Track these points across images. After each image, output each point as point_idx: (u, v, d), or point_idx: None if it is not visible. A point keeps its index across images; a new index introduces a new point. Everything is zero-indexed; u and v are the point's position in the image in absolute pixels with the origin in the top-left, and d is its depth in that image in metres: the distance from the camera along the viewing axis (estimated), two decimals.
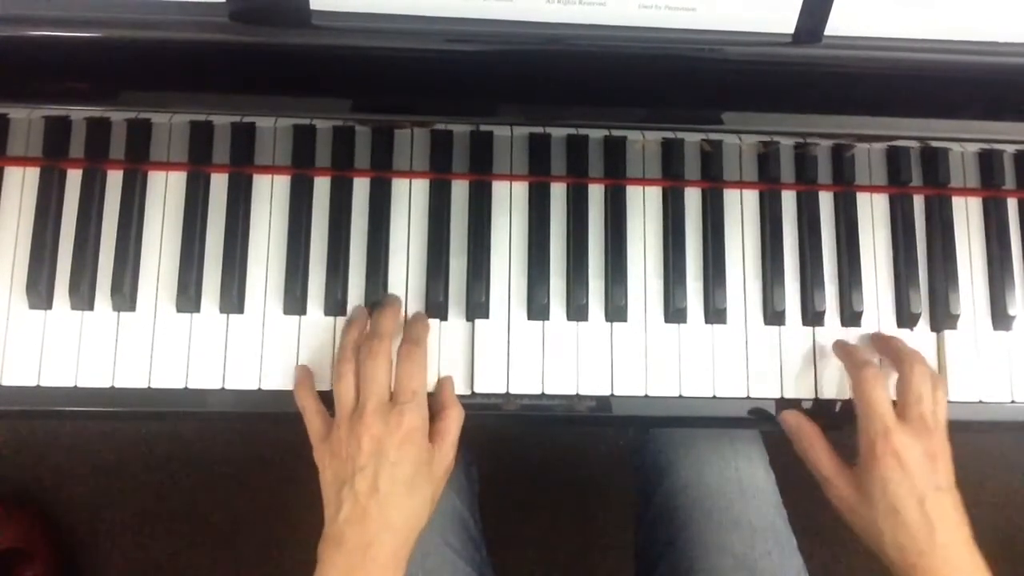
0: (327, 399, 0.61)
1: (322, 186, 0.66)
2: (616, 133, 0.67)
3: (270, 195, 0.66)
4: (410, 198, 0.67)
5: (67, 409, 0.64)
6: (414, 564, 0.57)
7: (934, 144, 0.67)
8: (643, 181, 0.68)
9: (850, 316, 0.67)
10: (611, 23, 0.52)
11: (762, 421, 0.66)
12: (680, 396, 0.65)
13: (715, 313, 0.66)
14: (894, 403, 0.60)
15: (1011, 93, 0.57)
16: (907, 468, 0.57)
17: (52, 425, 1.26)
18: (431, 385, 0.63)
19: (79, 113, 0.64)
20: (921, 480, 0.57)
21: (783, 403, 0.65)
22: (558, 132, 0.67)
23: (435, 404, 0.61)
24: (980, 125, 0.60)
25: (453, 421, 0.60)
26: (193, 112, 0.63)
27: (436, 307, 0.65)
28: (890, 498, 0.57)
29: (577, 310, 0.65)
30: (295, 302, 0.64)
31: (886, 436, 0.57)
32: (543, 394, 0.64)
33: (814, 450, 0.62)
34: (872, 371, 0.60)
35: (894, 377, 0.62)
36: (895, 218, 0.69)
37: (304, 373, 0.63)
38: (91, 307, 0.64)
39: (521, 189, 0.67)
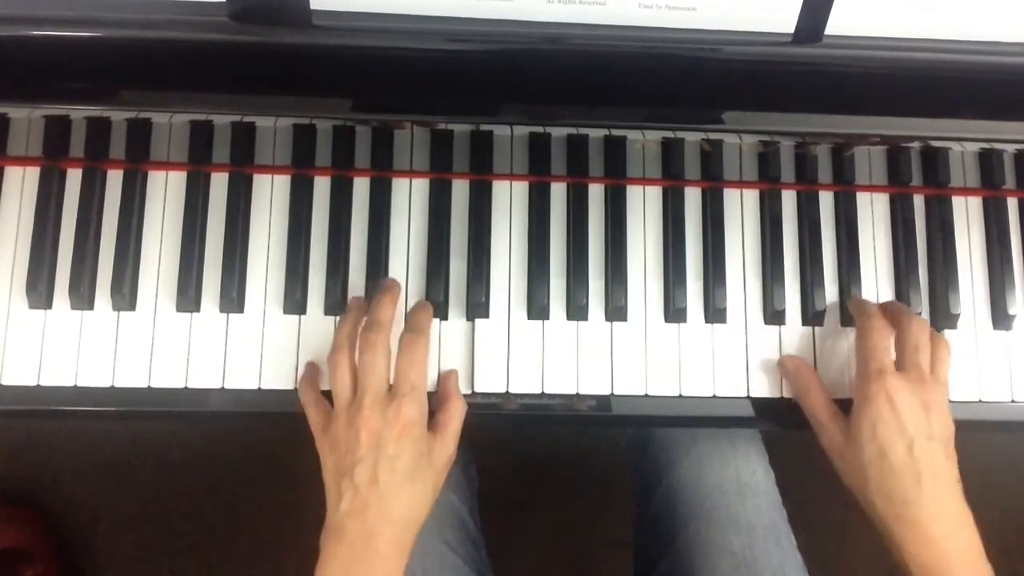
0: (330, 399, 0.61)
1: (322, 186, 0.66)
2: (616, 133, 0.67)
3: (270, 195, 0.66)
4: (410, 198, 0.67)
5: (67, 409, 0.64)
6: (413, 563, 0.57)
7: (934, 144, 0.67)
8: (643, 181, 0.68)
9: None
10: (611, 23, 0.52)
11: (762, 421, 0.66)
12: (680, 396, 0.65)
13: (715, 313, 0.66)
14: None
15: (1011, 93, 0.57)
16: (898, 411, 0.57)
17: (52, 425, 1.26)
18: (433, 383, 0.63)
19: (79, 113, 0.64)
20: (912, 425, 0.56)
21: (783, 403, 0.65)
22: (558, 132, 0.67)
23: (438, 396, 0.61)
24: (980, 125, 0.60)
25: (455, 414, 0.60)
26: (193, 112, 0.63)
27: (436, 307, 0.65)
28: (879, 440, 0.56)
29: (577, 310, 0.65)
30: (295, 302, 0.64)
31: (880, 376, 0.58)
32: (543, 394, 0.64)
33: (811, 393, 0.62)
34: (880, 322, 0.61)
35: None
36: (895, 218, 0.69)
37: (308, 369, 0.63)
38: (91, 307, 0.64)
39: (521, 189, 0.67)
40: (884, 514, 0.56)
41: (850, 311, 0.66)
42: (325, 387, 0.62)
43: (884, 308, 0.65)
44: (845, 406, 0.64)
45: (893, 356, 0.61)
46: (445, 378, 0.63)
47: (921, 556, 0.55)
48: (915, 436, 0.56)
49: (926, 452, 0.56)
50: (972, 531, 0.56)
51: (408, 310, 0.64)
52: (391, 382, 0.59)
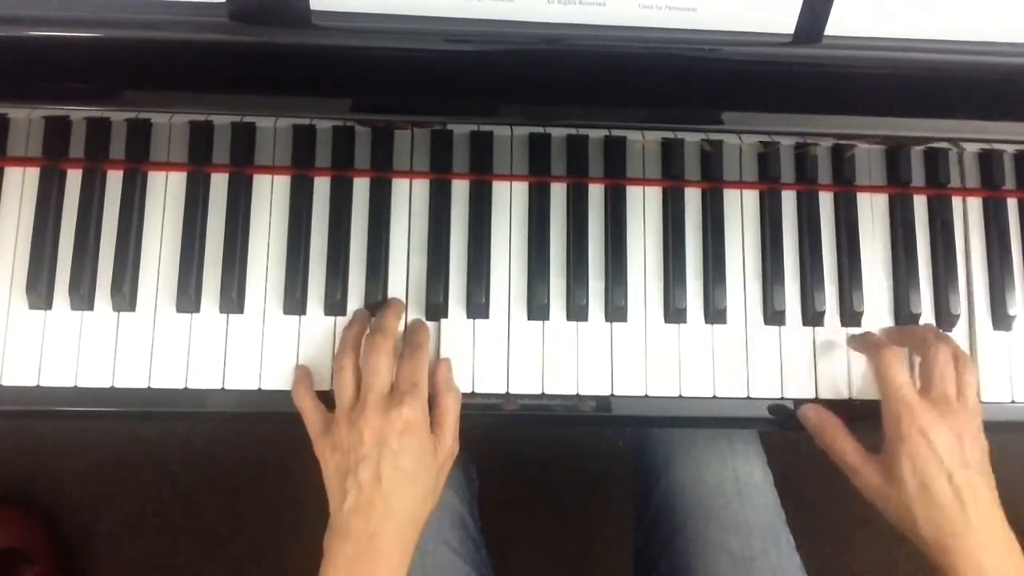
0: (327, 400, 0.61)
1: (322, 186, 0.66)
2: (616, 133, 0.67)
3: (270, 195, 0.66)
4: (410, 198, 0.67)
5: (67, 409, 0.64)
6: (413, 564, 0.57)
7: (934, 144, 0.67)
8: (643, 181, 0.68)
9: (850, 316, 0.67)
10: (611, 23, 0.52)
11: (761, 421, 0.66)
12: (680, 396, 0.65)
13: (715, 313, 0.66)
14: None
15: (1011, 93, 0.57)
16: (933, 445, 0.57)
17: (52, 425, 1.26)
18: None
19: (79, 113, 0.64)
20: (948, 456, 0.57)
21: (783, 403, 0.65)
22: (558, 132, 0.67)
23: (432, 390, 0.61)
24: (980, 125, 0.60)
25: (450, 407, 0.60)
26: (193, 112, 0.63)
27: (436, 307, 0.65)
28: (920, 476, 0.57)
29: (577, 310, 0.65)
30: (295, 302, 0.64)
31: (910, 413, 0.58)
32: (543, 394, 0.64)
33: (838, 441, 0.62)
34: (891, 352, 0.61)
35: (916, 362, 0.63)
36: (895, 218, 0.69)
37: (302, 372, 0.63)
38: (91, 307, 0.64)
39: (521, 189, 0.67)
40: (934, 546, 0.56)
41: (854, 349, 0.65)
42: (318, 388, 0.63)
43: (905, 333, 0.65)
44: (849, 407, 0.65)
45: (915, 381, 0.60)
46: (436, 370, 0.63)
47: None
48: (952, 467, 0.56)
49: (965, 481, 0.56)
50: (1020, 557, 0.56)
51: (407, 327, 0.64)
52: (392, 385, 0.59)
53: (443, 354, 0.64)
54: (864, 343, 0.65)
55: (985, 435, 0.60)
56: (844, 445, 0.61)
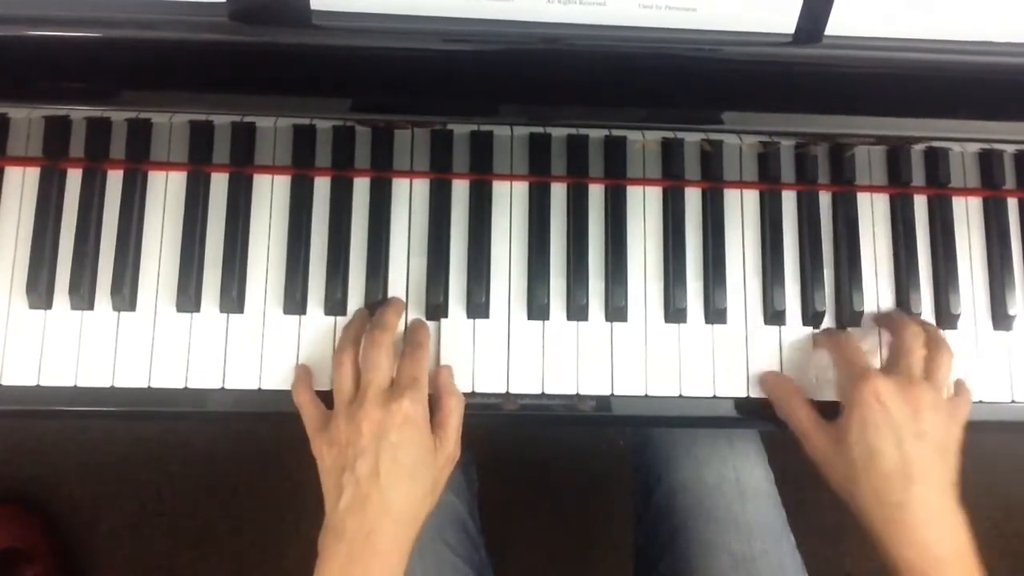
0: (327, 400, 0.61)
1: (322, 186, 0.66)
2: (616, 133, 0.67)
3: (270, 195, 0.66)
4: (410, 198, 0.67)
5: (67, 409, 0.64)
6: (413, 563, 0.57)
7: (934, 144, 0.67)
8: (643, 181, 0.68)
9: (850, 316, 0.67)
10: (611, 23, 0.52)
11: (761, 421, 0.66)
12: (680, 396, 0.65)
13: (715, 313, 0.66)
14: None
15: (1011, 93, 0.57)
16: (887, 410, 0.56)
17: (52, 425, 1.26)
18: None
19: (79, 113, 0.64)
20: (900, 424, 0.55)
21: None
22: (558, 132, 0.67)
23: (434, 393, 0.61)
24: (980, 125, 0.60)
25: (453, 410, 0.60)
26: (193, 112, 0.63)
27: (436, 307, 0.65)
28: (868, 441, 0.55)
29: (577, 310, 0.65)
30: (295, 302, 0.64)
31: (864, 379, 0.57)
32: (543, 394, 0.64)
33: (792, 405, 0.62)
34: (842, 334, 0.63)
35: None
36: (895, 218, 0.69)
37: (301, 371, 0.63)
38: (91, 307, 0.64)
39: (521, 189, 0.67)
40: (875, 517, 0.55)
41: (820, 345, 0.65)
42: (318, 388, 0.63)
43: (882, 316, 0.66)
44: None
45: (874, 362, 0.61)
46: (438, 374, 0.63)
47: (914, 561, 0.54)
48: (904, 435, 0.55)
49: (916, 452, 0.55)
50: (966, 535, 0.55)
51: (407, 326, 0.64)
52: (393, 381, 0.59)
53: (443, 353, 0.64)
54: (818, 336, 0.66)
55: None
56: (799, 412, 0.61)
